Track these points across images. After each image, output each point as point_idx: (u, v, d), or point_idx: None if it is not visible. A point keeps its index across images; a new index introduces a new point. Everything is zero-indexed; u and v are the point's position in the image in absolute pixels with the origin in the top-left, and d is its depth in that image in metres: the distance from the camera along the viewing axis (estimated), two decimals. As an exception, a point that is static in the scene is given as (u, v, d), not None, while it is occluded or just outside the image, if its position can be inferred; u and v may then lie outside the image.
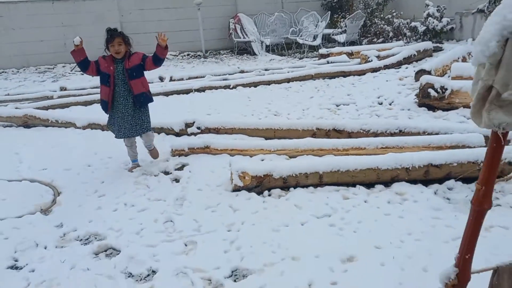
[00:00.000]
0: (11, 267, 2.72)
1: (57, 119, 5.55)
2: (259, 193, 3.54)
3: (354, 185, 3.58)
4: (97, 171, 4.15)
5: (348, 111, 5.79)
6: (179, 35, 12.31)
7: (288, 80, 7.64)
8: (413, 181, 3.58)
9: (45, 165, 4.32)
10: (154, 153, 4.29)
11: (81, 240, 2.99)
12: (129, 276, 2.58)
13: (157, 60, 3.83)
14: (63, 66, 11.12)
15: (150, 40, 11.81)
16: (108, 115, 3.97)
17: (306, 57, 10.87)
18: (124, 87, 3.85)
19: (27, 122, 5.65)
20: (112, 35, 3.72)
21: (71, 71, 10.56)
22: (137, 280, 2.55)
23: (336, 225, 3.01)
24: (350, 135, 4.59)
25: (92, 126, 5.37)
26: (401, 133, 4.47)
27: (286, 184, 3.58)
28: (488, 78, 1.20)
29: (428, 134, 4.35)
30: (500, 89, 1.18)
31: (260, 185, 3.56)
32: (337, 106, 6.06)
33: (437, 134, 4.30)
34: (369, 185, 3.58)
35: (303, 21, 11.75)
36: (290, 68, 8.73)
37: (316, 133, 4.68)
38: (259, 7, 12.97)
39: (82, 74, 9.71)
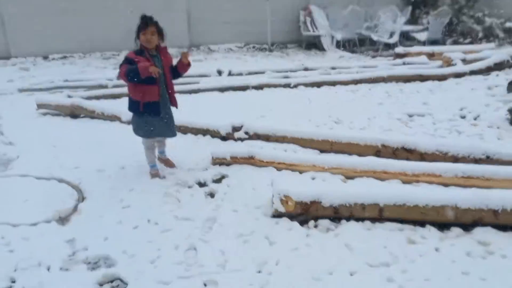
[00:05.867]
0: (5, 290, 2.38)
1: (103, 111, 5.29)
2: (304, 222, 2.94)
3: (423, 224, 2.86)
4: (130, 175, 3.77)
5: (422, 123, 4.95)
6: (246, 25, 11.87)
7: (356, 82, 6.87)
8: (503, 227, 2.79)
9: (79, 163, 4.02)
10: (169, 163, 3.89)
11: (89, 263, 2.59)
12: (130, 321, 2.13)
13: (176, 74, 3.56)
14: (128, 53, 11.11)
15: (212, 28, 11.57)
16: (137, 115, 3.53)
17: (380, 56, 9.99)
18: (163, 86, 3.49)
19: (74, 112, 5.46)
20: (147, 22, 3.33)
21: (135, 59, 10.49)
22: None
23: (395, 280, 2.36)
24: (422, 156, 3.81)
25: (137, 121, 5.03)
26: (488, 159, 3.62)
27: (338, 214, 2.94)
28: None
29: (526, 164, 3.48)
30: None
31: (305, 213, 2.96)
32: (410, 116, 5.23)
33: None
34: (443, 225, 2.85)
35: (380, 16, 10.80)
36: (360, 67, 7.93)
37: (381, 150, 3.95)
38: (333, -2, 12.13)
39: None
